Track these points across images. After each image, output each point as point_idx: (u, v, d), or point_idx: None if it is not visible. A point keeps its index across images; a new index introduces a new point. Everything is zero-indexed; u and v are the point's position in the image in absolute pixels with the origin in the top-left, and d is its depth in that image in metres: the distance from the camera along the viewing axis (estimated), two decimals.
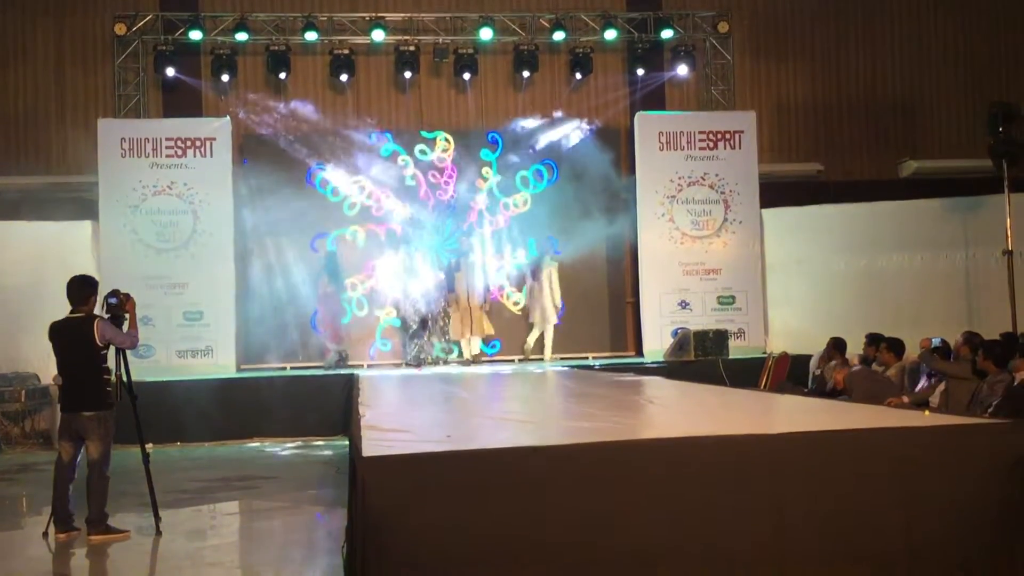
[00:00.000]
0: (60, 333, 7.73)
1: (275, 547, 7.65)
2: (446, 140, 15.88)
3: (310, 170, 15.47)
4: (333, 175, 15.55)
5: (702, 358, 14.11)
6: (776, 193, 15.85)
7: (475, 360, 14.61)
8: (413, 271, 14.66)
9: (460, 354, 14.92)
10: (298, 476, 10.58)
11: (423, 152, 15.82)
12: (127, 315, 7.90)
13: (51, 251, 13.75)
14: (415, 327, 14.43)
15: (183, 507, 8.76)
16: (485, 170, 15.92)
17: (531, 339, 15.34)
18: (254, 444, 12.90)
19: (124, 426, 7.85)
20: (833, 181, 16.75)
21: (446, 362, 14.73)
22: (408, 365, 14.23)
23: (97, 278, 8.10)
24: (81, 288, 7.75)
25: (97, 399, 7.60)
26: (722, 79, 16.29)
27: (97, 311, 7.78)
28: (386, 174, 15.63)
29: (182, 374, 13.95)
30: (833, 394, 10.41)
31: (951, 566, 4.52)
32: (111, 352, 7.74)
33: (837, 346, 12.00)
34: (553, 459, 4.38)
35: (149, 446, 8.02)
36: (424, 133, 15.91)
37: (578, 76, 16.02)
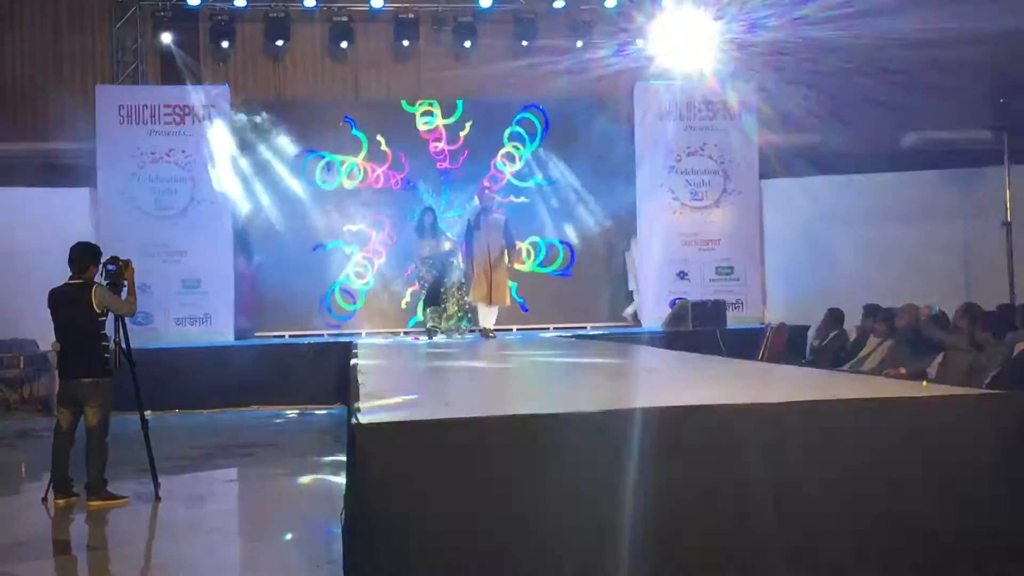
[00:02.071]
0: (59, 300, 7.73)
1: (273, 513, 7.68)
2: (453, 110, 15.81)
3: (307, 137, 15.41)
4: (332, 141, 15.49)
5: (700, 328, 14.10)
6: (775, 164, 15.78)
7: (491, 333, 13.07)
8: (425, 234, 14.41)
9: (475, 324, 13.81)
10: (296, 443, 10.63)
11: (423, 121, 15.75)
12: (126, 282, 7.90)
13: (49, 218, 13.73)
14: (425, 294, 14.09)
15: (182, 473, 8.80)
16: (507, 145, 15.93)
17: (631, 309, 15.41)
18: (252, 411, 12.93)
19: (123, 393, 7.87)
20: (833, 152, 16.66)
21: (461, 332, 14.17)
22: (424, 334, 14.00)
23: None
24: (83, 256, 7.74)
25: (96, 366, 7.62)
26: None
27: (96, 278, 7.78)
28: (386, 140, 15.56)
29: (180, 341, 14.00)
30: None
31: (949, 535, 4.54)
32: (110, 319, 7.75)
33: (835, 317, 12.01)
34: (553, 427, 4.38)
35: (148, 413, 8.02)
36: (423, 101, 15.82)
37: (578, 45, 15.89)
